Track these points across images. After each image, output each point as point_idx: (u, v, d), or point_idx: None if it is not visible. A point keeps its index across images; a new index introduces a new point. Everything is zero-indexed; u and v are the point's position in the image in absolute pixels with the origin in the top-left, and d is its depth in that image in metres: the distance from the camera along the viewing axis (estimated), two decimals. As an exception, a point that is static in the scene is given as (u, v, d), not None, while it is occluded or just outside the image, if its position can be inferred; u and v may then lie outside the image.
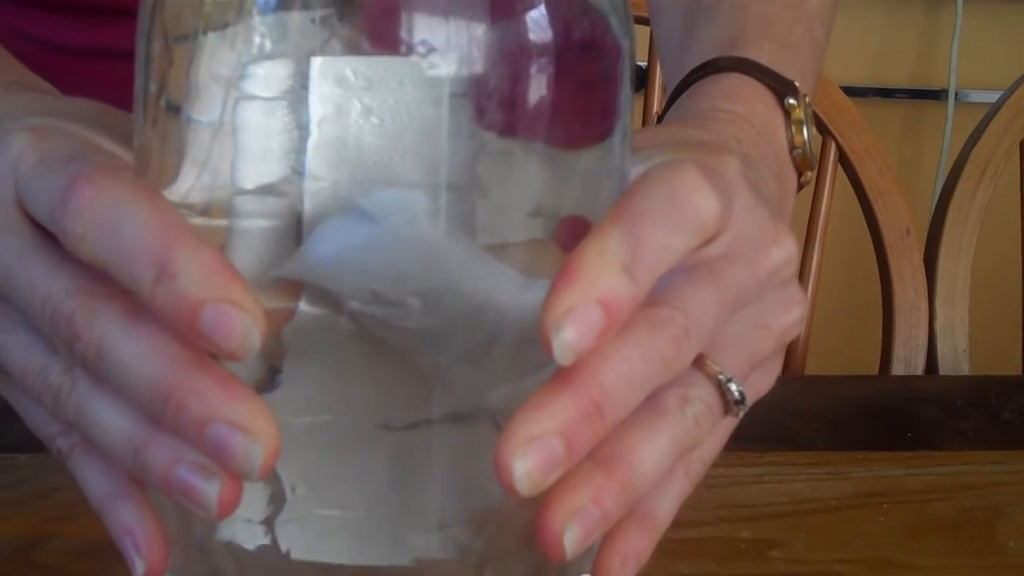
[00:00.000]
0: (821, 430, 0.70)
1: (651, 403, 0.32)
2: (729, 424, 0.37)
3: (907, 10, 1.86)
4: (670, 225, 0.31)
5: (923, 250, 1.01)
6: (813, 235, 1.03)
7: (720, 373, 0.34)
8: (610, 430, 0.30)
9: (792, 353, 0.98)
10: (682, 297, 0.32)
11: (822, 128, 1.02)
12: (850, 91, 1.08)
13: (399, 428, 0.32)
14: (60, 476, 0.59)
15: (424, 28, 0.30)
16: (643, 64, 1.13)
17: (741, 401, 0.34)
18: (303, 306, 0.31)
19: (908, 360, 0.99)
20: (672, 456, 0.32)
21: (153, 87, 0.32)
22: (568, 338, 0.29)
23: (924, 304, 1.00)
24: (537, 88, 0.31)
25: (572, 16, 0.32)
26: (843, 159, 1.03)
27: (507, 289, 0.31)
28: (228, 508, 0.29)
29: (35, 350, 0.33)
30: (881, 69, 1.85)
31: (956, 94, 1.84)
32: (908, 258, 1.00)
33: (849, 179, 1.03)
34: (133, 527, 0.32)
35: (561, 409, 0.29)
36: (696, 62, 0.52)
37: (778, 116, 0.49)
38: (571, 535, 0.30)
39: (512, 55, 0.30)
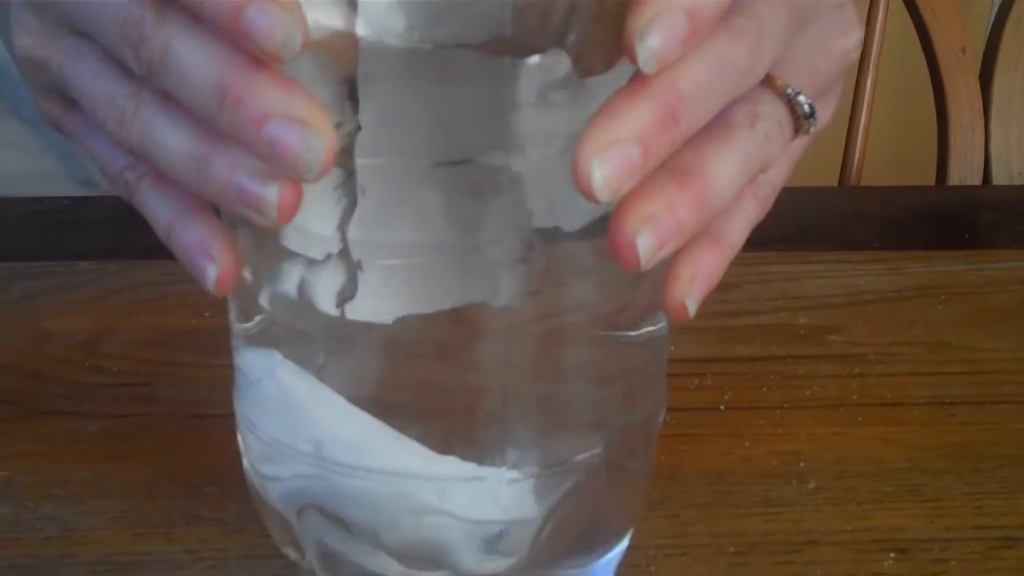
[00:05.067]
0: (878, 233, 0.69)
1: (722, 119, 0.32)
2: (799, 147, 0.36)
3: None
4: None
5: (979, 70, 0.99)
6: (867, 57, 1.01)
7: (788, 87, 0.33)
8: (685, 140, 0.30)
9: (847, 169, 0.97)
10: (756, 7, 0.31)
11: (875, -53, 0.99)
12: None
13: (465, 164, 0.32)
14: (119, 280, 0.60)
15: None
16: None
17: (811, 115, 0.34)
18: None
19: (963, 181, 0.98)
20: (744, 172, 0.32)
21: None
22: (653, 45, 0.28)
23: (980, 125, 0.98)
24: None
25: None
26: (896, -22, 1.01)
27: None
28: (288, 211, 0.30)
29: (104, 76, 0.33)
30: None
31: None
32: (963, 78, 0.99)
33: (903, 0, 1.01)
34: (204, 239, 0.33)
35: (638, 115, 0.29)
36: None
37: None
38: (644, 241, 0.30)
39: None
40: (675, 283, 0.33)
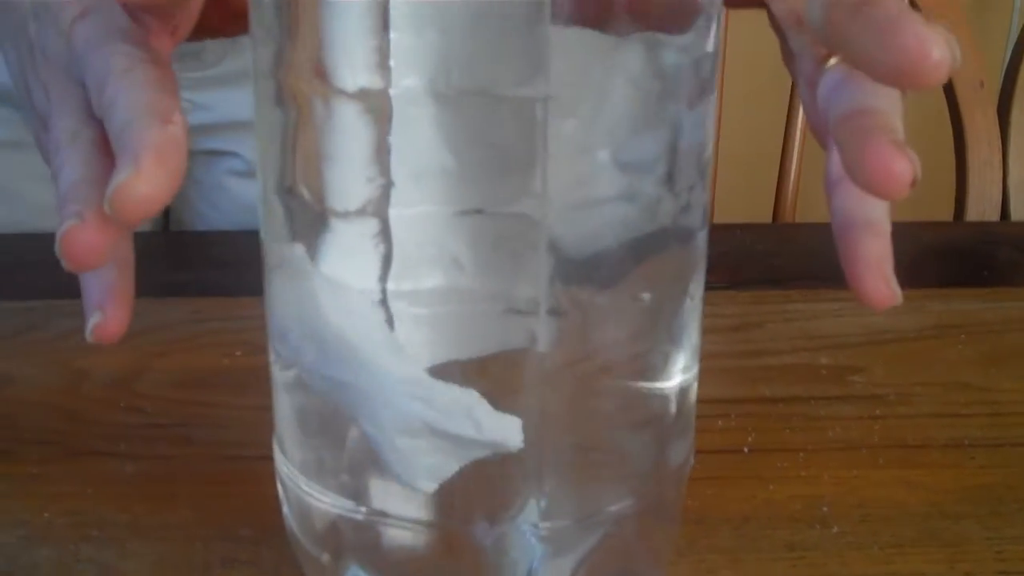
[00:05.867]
0: (898, 270, 0.70)
1: None
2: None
3: None
4: None
5: (996, 104, 1.00)
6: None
7: None
8: None
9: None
10: None
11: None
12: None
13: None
14: (150, 318, 0.61)
15: None
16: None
17: None
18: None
19: (982, 216, 0.98)
20: None
21: None
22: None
23: (998, 159, 0.99)
24: None
25: None
26: (912, 6, 1.01)
27: None
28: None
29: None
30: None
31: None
32: (981, 112, 0.99)
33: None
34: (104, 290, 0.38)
35: None
36: None
37: None
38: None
39: None
40: (866, 276, 0.35)
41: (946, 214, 0.99)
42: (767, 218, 1.09)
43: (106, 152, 0.38)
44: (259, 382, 0.40)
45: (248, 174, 0.84)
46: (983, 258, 0.73)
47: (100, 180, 0.36)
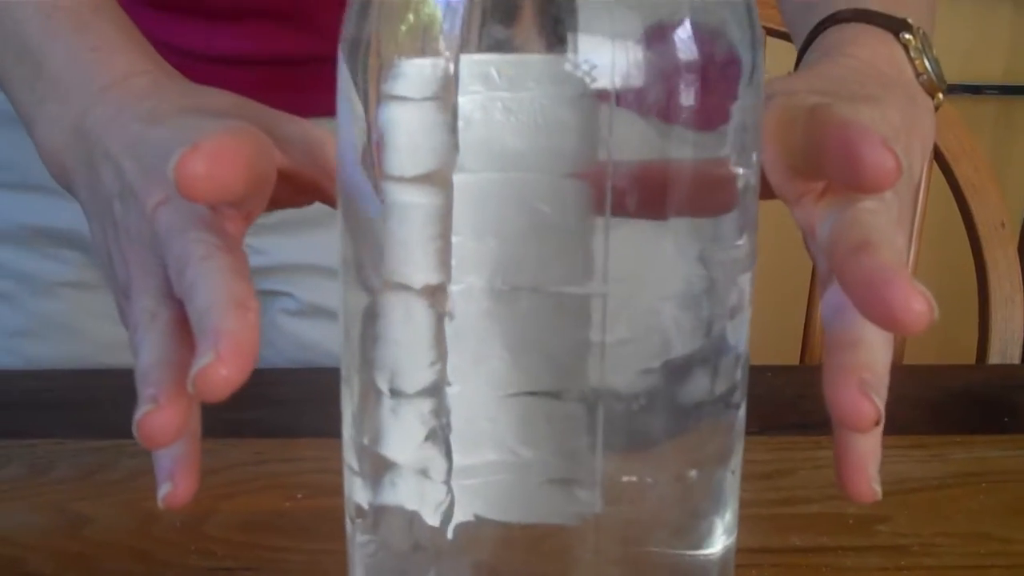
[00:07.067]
0: (921, 415, 0.73)
1: None
2: None
3: (998, 6, 1.87)
4: None
5: (1017, 242, 1.04)
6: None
7: None
8: None
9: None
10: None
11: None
12: (942, 88, 1.11)
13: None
14: (215, 459, 0.65)
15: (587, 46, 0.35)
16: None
17: None
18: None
19: (1004, 352, 1.01)
20: None
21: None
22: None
23: (1019, 296, 1.02)
24: (685, 97, 0.35)
25: (712, 34, 0.36)
26: (938, 156, 1.06)
27: None
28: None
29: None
30: (972, 66, 1.86)
31: (1048, 89, 1.86)
32: (1003, 250, 1.03)
33: (944, 176, 1.06)
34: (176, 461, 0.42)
35: None
36: (817, 19, 0.59)
37: (898, 50, 0.55)
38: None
39: (661, 71, 0.35)
40: (854, 478, 0.41)
41: (971, 348, 1.02)
42: (794, 355, 1.13)
43: (181, 333, 0.42)
44: (320, 526, 0.43)
45: (300, 313, 0.88)
46: (1005, 404, 0.76)
47: (174, 362, 0.40)
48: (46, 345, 0.85)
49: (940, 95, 0.55)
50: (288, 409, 0.72)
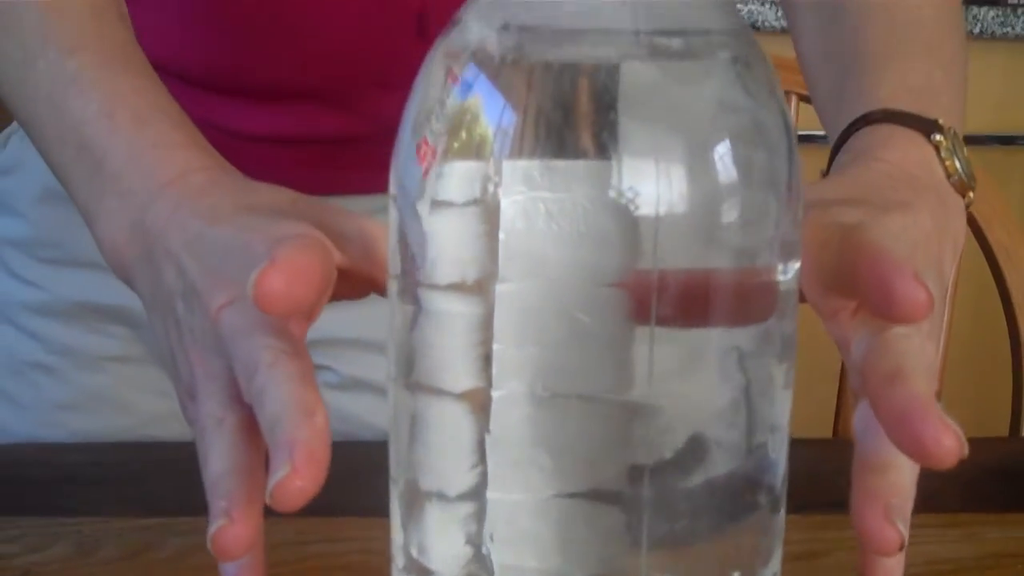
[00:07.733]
0: (955, 492, 0.74)
1: None
2: None
3: (1029, 57, 1.88)
4: None
5: (1050, 309, 1.04)
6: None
7: None
8: None
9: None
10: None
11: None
12: (971, 139, 1.11)
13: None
14: (265, 536, 0.66)
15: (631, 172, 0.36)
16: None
17: None
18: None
19: (1039, 424, 1.02)
20: None
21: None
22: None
23: (1054, 364, 1.03)
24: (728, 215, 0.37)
25: (752, 149, 0.37)
26: (970, 221, 1.06)
27: None
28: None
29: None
30: (1003, 116, 1.87)
31: (1080, 139, 1.86)
32: (1037, 320, 1.04)
33: (976, 240, 1.06)
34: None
35: None
36: (849, 119, 0.59)
37: (929, 151, 0.56)
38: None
39: (704, 195, 0.36)
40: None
41: (1004, 417, 1.02)
42: (828, 427, 1.13)
43: (248, 438, 0.43)
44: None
45: (341, 386, 0.89)
46: (1039, 479, 0.77)
47: (243, 470, 0.42)
48: (91, 418, 0.86)
49: (971, 194, 0.56)
50: (330, 485, 0.73)
